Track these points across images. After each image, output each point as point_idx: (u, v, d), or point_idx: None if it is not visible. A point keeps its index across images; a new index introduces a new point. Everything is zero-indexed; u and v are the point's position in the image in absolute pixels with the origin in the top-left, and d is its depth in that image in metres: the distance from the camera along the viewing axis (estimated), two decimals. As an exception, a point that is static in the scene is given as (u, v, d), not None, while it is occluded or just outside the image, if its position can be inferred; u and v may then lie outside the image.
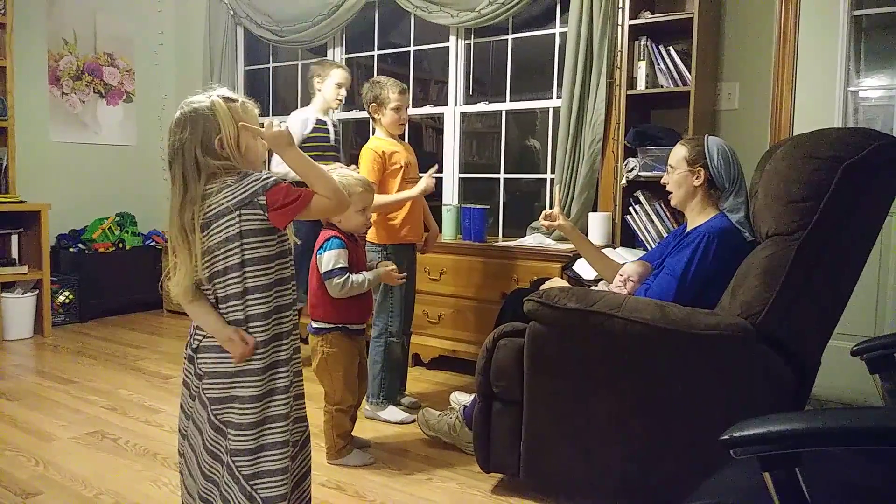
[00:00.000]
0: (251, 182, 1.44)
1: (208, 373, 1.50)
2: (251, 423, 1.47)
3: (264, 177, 1.45)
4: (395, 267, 2.43)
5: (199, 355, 1.52)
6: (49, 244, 4.14)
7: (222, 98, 1.47)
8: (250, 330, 1.47)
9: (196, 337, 1.53)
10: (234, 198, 1.43)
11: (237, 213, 1.43)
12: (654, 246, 2.91)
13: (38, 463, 2.32)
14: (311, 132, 3.26)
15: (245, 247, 1.44)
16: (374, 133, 2.91)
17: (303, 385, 1.60)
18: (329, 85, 3.27)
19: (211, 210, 1.44)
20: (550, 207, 2.91)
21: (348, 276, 2.22)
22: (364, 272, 2.29)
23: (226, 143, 1.45)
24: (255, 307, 1.47)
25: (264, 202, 1.43)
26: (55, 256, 4.36)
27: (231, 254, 1.45)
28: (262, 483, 1.48)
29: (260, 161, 1.54)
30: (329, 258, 2.21)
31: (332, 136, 3.34)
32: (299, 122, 3.26)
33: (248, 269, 1.45)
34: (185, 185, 1.44)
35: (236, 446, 1.47)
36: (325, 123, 3.33)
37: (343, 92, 3.31)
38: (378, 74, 3.17)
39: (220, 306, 1.48)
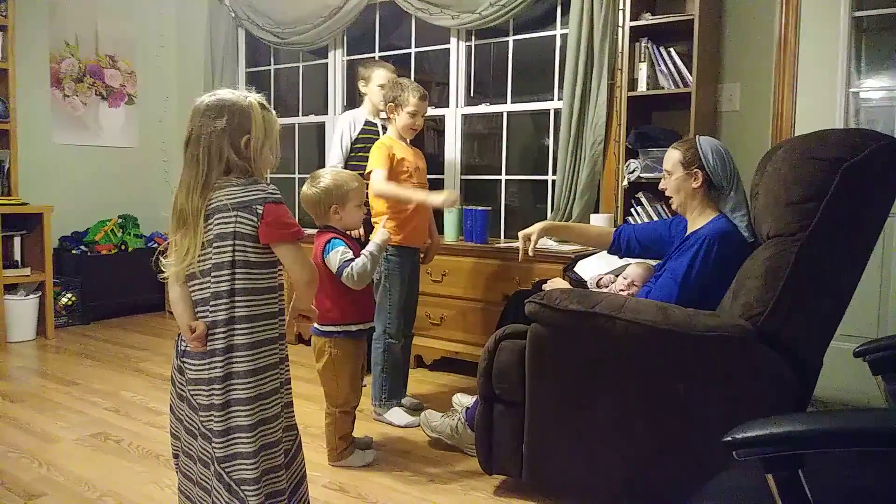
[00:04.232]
0: (257, 190, 1.47)
1: (194, 379, 1.50)
2: (249, 426, 1.47)
3: (270, 191, 1.49)
4: (387, 228, 2.43)
5: (184, 360, 1.53)
6: (51, 246, 4.15)
7: (259, 104, 1.52)
8: (235, 331, 1.47)
9: (184, 340, 1.53)
10: (235, 198, 1.46)
11: (234, 213, 1.46)
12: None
13: (41, 465, 2.32)
14: (361, 133, 3.22)
15: (237, 247, 1.46)
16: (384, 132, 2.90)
17: (291, 393, 1.60)
18: (373, 87, 3.20)
19: (211, 204, 1.47)
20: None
21: (355, 262, 2.21)
22: (364, 250, 2.28)
23: (252, 145, 1.49)
24: (241, 310, 1.47)
25: (260, 212, 1.46)
26: (58, 258, 4.37)
27: (224, 251, 1.46)
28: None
29: (267, 170, 1.58)
30: (335, 257, 2.21)
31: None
32: (347, 122, 3.22)
33: (238, 269, 1.47)
34: (208, 170, 1.46)
35: (222, 453, 1.47)
36: (374, 125, 3.27)
37: None
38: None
39: (211, 303, 1.48)
